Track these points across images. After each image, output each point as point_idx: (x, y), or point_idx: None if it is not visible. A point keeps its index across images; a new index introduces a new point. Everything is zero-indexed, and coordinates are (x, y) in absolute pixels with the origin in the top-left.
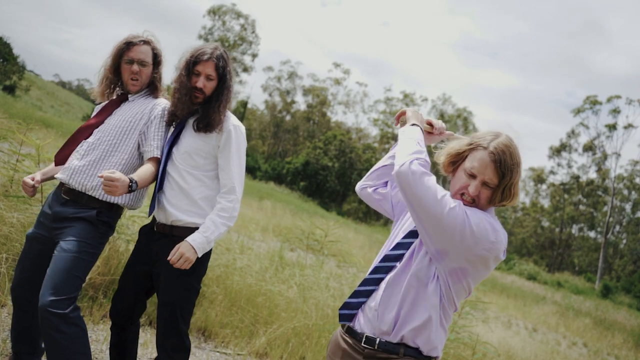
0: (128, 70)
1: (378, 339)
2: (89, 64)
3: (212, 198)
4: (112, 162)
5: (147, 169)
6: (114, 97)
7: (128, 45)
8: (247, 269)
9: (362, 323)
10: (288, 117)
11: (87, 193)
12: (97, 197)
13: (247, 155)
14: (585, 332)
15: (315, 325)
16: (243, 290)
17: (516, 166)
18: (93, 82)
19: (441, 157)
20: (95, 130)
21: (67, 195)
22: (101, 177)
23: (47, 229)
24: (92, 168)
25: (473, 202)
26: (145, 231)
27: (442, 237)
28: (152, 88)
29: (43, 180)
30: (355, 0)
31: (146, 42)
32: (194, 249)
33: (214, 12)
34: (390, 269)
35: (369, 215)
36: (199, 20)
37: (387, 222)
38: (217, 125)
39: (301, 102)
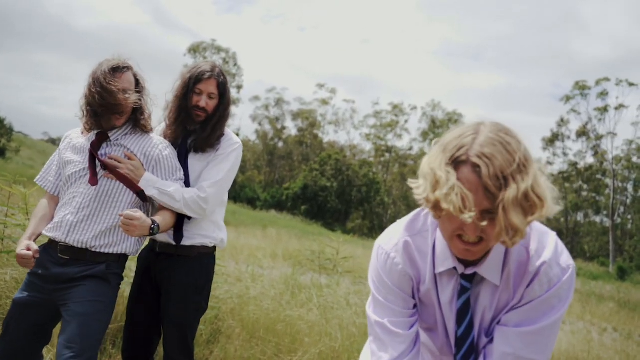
0: None
1: None
2: (76, 118)
3: (216, 219)
4: (113, 215)
5: (169, 216)
6: (93, 137)
7: (112, 73)
8: (262, 297)
9: None
10: (280, 144)
11: (90, 250)
12: (101, 251)
13: (245, 187)
14: (612, 317)
15: (343, 346)
16: (261, 320)
17: (519, 164)
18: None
19: (425, 196)
20: (83, 180)
21: (66, 255)
22: (121, 215)
23: (42, 291)
24: (92, 223)
25: (481, 241)
26: (145, 255)
27: None
28: (133, 120)
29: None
30: (332, 21)
31: (129, 68)
32: (144, 179)
33: (194, 50)
34: None
35: (374, 230)
36: (180, 59)
37: None
38: (217, 144)
39: (292, 127)
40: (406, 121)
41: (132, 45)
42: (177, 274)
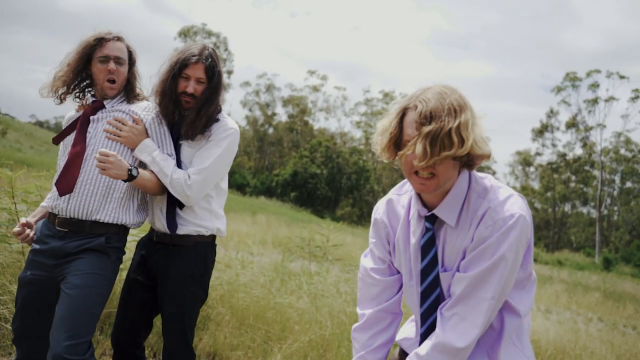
0: (103, 70)
1: None
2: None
3: (212, 208)
4: (110, 180)
5: (153, 178)
6: (87, 106)
7: (100, 41)
8: (252, 284)
9: None
10: (271, 130)
11: (88, 219)
12: (101, 220)
13: (234, 172)
14: (597, 307)
15: (333, 334)
16: (250, 307)
17: (449, 109)
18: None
19: (377, 145)
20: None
21: (65, 227)
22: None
23: (44, 268)
24: (90, 188)
25: (434, 176)
26: (143, 243)
27: None
28: (128, 91)
29: (37, 221)
30: (323, 8)
31: (119, 39)
32: (143, 144)
33: (184, 33)
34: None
35: (363, 218)
36: (170, 43)
37: None
38: (207, 130)
39: (282, 114)
40: None
41: (121, 27)
42: (173, 264)
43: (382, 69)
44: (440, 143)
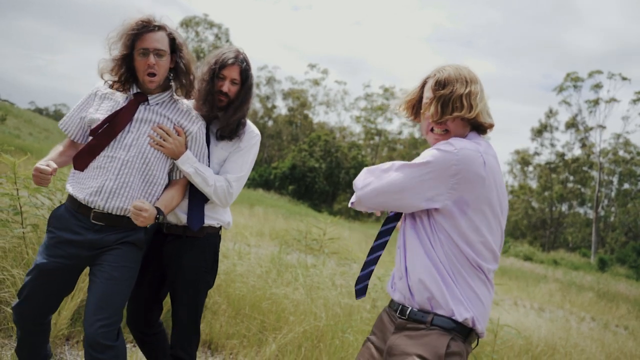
0: (143, 64)
1: (410, 309)
2: (65, 89)
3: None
4: (153, 186)
5: (172, 197)
6: (130, 99)
7: (140, 31)
8: (249, 274)
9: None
10: (270, 123)
11: (126, 216)
12: None
13: None
14: (590, 307)
15: (327, 326)
16: (247, 297)
17: (461, 79)
18: (70, 107)
19: (399, 103)
20: (121, 144)
21: (101, 221)
22: (133, 206)
23: (71, 257)
24: (130, 191)
25: (447, 132)
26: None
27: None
28: (178, 83)
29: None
30: (326, 2)
31: (161, 28)
32: (185, 155)
33: (186, 24)
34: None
35: (360, 213)
36: None
37: (379, 218)
38: (240, 131)
39: (282, 107)
40: None
41: (121, 15)
42: (187, 257)
43: (383, 65)
44: (452, 105)
